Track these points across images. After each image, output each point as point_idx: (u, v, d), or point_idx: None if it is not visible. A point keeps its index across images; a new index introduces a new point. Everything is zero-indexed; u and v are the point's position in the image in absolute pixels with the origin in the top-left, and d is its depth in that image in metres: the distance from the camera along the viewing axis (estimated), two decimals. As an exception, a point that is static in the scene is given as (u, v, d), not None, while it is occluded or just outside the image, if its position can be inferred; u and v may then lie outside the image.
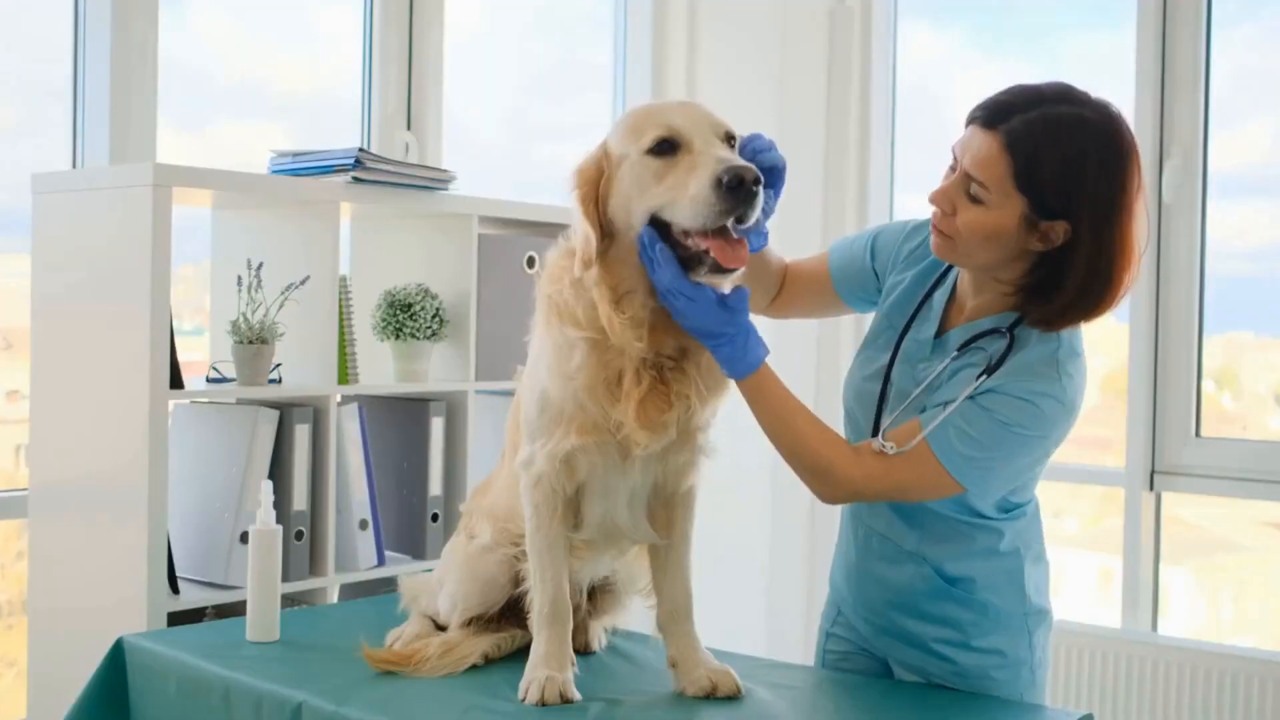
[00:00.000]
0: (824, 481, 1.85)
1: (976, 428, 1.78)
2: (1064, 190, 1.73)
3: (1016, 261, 1.81)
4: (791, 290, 2.13)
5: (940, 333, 1.92)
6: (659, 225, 1.70)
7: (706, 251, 1.67)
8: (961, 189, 1.78)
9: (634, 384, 1.73)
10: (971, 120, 1.79)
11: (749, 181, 1.61)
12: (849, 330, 3.99)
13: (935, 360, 1.90)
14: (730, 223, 1.65)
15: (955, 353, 1.86)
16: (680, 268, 1.68)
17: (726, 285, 1.73)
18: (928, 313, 1.94)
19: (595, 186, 1.72)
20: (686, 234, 1.68)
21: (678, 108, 1.72)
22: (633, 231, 1.71)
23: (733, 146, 1.72)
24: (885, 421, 1.92)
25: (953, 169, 1.82)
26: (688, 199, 1.64)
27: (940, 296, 1.95)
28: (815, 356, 4.01)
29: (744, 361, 1.77)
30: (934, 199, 1.82)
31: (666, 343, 1.75)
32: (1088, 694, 3.36)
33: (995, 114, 1.76)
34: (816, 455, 1.83)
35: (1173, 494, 3.51)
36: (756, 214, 1.64)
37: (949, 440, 1.78)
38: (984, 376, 1.79)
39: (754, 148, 1.77)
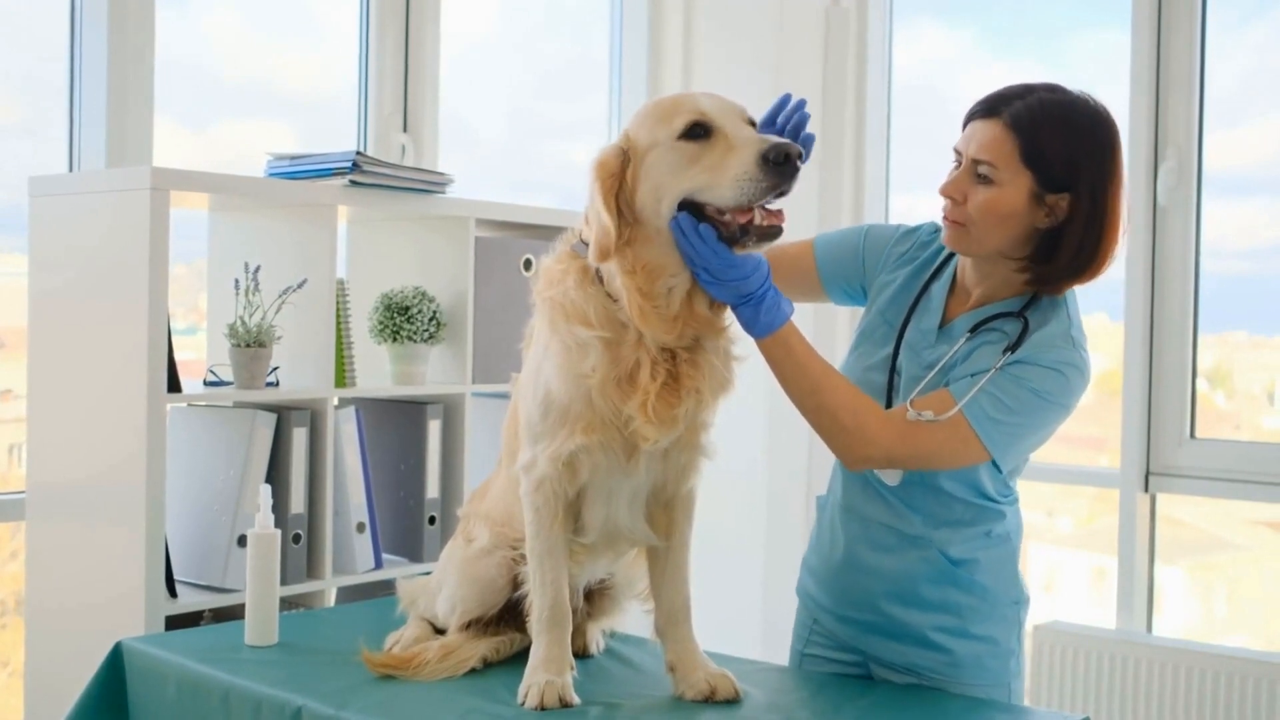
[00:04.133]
0: (854, 439, 1.87)
1: (1009, 395, 1.86)
2: (1067, 163, 1.86)
3: (1024, 242, 1.91)
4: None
5: (944, 322, 1.99)
6: (691, 208, 1.73)
7: (749, 223, 1.71)
8: (970, 175, 1.89)
9: (650, 378, 1.74)
10: (971, 117, 1.93)
11: (794, 157, 1.67)
12: (845, 326, 4.00)
13: (942, 346, 1.96)
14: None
15: (968, 334, 1.94)
16: (721, 241, 1.71)
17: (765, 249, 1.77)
18: (927, 304, 2.01)
19: (617, 178, 1.74)
20: (721, 212, 1.71)
21: (703, 95, 1.76)
22: (662, 219, 1.73)
23: (755, 129, 1.76)
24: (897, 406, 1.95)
25: (956, 165, 1.93)
26: (731, 177, 1.68)
27: (939, 288, 2.01)
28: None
29: (775, 316, 1.81)
30: (944, 190, 1.92)
31: (685, 334, 1.77)
32: (1083, 695, 3.36)
33: (994, 104, 1.90)
34: (848, 413, 1.86)
35: (1167, 495, 3.52)
36: (795, 186, 1.70)
37: (982, 407, 1.86)
38: (1008, 353, 1.88)
39: (795, 118, 1.84)
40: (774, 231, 1.72)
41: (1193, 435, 3.47)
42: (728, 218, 1.71)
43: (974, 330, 1.93)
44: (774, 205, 1.75)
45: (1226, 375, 3.67)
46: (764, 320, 1.81)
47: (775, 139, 1.69)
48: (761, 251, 1.75)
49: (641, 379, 1.74)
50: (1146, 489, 3.50)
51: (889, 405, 1.97)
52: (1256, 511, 3.63)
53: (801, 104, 1.84)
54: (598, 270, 1.78)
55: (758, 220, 1.71)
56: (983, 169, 1.87)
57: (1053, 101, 1.88)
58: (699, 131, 1.71)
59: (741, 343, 1.85)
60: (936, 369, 1.94)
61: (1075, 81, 1.95)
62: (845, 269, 2.12)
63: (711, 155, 1.70)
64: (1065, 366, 1.88)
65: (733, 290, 1.76)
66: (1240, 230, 3.57)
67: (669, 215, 1.73)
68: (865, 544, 2.02)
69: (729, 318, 1.83)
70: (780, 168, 1.67)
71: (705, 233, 1.71)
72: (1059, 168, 1.86)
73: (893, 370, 1.99)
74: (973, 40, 4.13)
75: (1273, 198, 3.59)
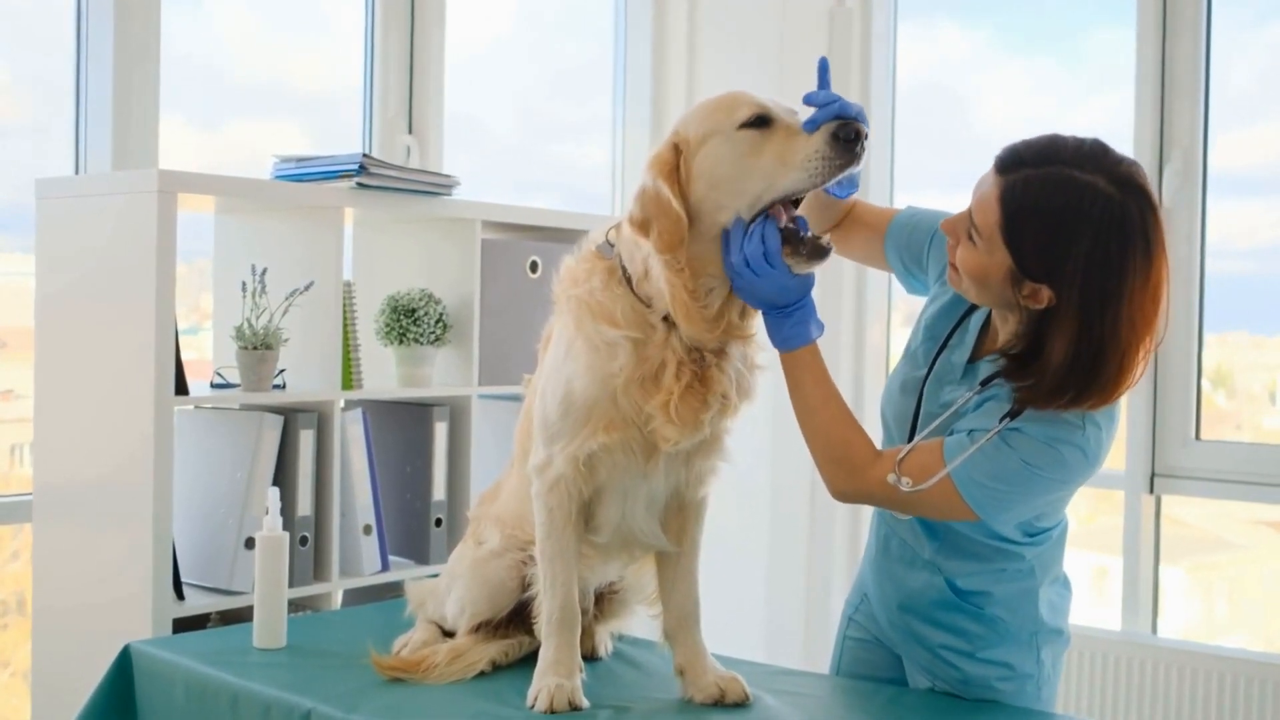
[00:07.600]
0: (838, 475, 1.85)
1: (998, 463, 1.76)
2: (1046, 255, 1.69)
3: (1011, 311, 1.79)
4: (847, 230, 2.10)
5: (974, 358, 1.90)
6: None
7: (804, 236, 1.72)
8: (964, 225, 1.78)
9: (674, 379, 1.74)
10: (994, 159, 1.76)
11: (862, 135, 1.70)
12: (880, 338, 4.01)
13: (964, 386, 1.88)
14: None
15: (979, 386, 1.83)
16: (780, 242, 1.71)
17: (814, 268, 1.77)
18: (963, 335, 1.92)
19: (675, 171, 1.74)
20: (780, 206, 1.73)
21: (754, 94, 1.76)
22: (722, 214, 1.73)
23: None
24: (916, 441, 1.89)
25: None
26: (801, 158, 1.70)
27: (976, 320, 1.92)
28: (853, 364, 4.01)
29: (797, 334, 1.80)
30: (944, 226, 1.83)
31: (719, 338, 1.77)
32: (1088, 697, 3.37)
33: (1008, 161, 1.73)
34: (841, 446, 1.83)
35: (1171, 496, 3.52)
36: (861, 165, 1.73)
37: (968, 469, 1.76)
38: (1008, 418, 1.76)
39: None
40: (823, 251, 1.74)
41: (1198, 437, 3.46)
42: (784, 222, 1.72)
43: (988, 381, 1.81)
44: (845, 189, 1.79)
45: (1228, 375, 3.67)
46: (785, 334, 1.81)
47: (845, 119, 1.70)
48: (810, 270, 1.75)
49: (666, 380, 1.75)
50: (1151, 490, 3.49)
51: (912, 433, 1.90)
52: (1257, 511, 3.63)
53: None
54: (624, 271, 1.78)
55: (812, 231, 1.73)
56: (972, 229, 1.75)
57: (1061, 182, 1.67)
58: (761, 121, 1.72)
59: (765, 353, 1.85)
60: (950, 411, 1.85)
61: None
62: (910, 256, 2.04)
63: (774, 142, 1.71)
64: (1062, 444, 1.74)
65: (761, 294, 1.75)
66: (1242, 230, 3.57)
67: (737, 210, 1.72)
68: (889, 554, 2.01)
69: (757, 325, 1.83)
70: (850, 145, 1.69)
71: (769, 232, 1.71)
72: (1036, 258, 1.69)
73: (920, 396, 1.92)
74: (987, 40, 4.13)
75: (1276, 198, 3.59)
